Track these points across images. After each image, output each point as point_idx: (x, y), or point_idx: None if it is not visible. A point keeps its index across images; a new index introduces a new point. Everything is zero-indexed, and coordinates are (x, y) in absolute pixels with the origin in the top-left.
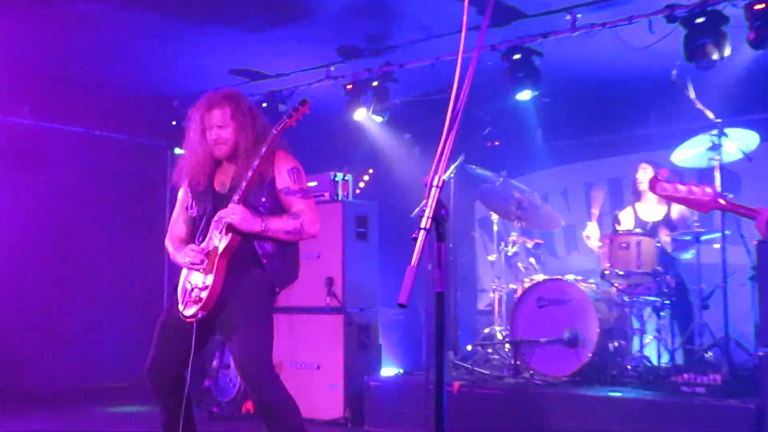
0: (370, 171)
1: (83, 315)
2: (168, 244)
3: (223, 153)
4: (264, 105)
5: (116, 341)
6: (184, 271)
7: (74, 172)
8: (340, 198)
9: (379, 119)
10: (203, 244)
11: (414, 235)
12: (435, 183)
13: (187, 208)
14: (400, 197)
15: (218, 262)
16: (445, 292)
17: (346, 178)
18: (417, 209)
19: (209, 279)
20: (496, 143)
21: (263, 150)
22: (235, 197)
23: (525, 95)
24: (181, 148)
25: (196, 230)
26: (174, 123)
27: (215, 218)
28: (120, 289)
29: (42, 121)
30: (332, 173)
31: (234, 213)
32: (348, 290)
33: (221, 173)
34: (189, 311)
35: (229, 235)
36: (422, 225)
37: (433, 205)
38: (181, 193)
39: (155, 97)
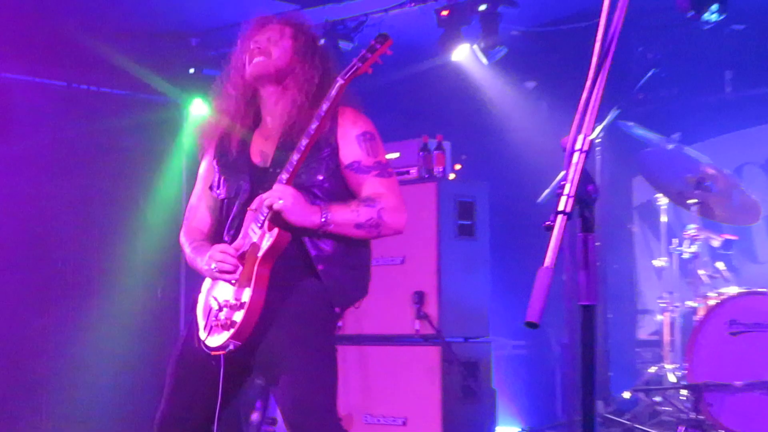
0: (475, 138)
1: (64, 348)
2: (184, 240)
3: (259, 72)
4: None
5: (111, 385)
6: (208, 282)
7: (52, 142)
8: (433, 176)
9: (487, 60)
10: (236, 243)
11: (548, 223)
12: (579, 146)
13: (211, 188)
14: (522, 174)
15: (258, 270)
16: (595, 308)
17: (441, 147)
18: (548, 190)
19: (245, 294)
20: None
21: (324, 107)
22: (284, 175)
23: (710, 16)
24: (204, 104)
25: (225, 221)
26: (192, 71)
27: (253, 205)
28: (117, 309)
29: (6, 71)
30: (421, 140)
31: (283, 197)
32: (446, 310)
33: (261, 138)
34: (215, 340)
35: (275, 230)
36: (560, 208)
37: (576, 179)
38: (203, 167)
39: (164, 34)
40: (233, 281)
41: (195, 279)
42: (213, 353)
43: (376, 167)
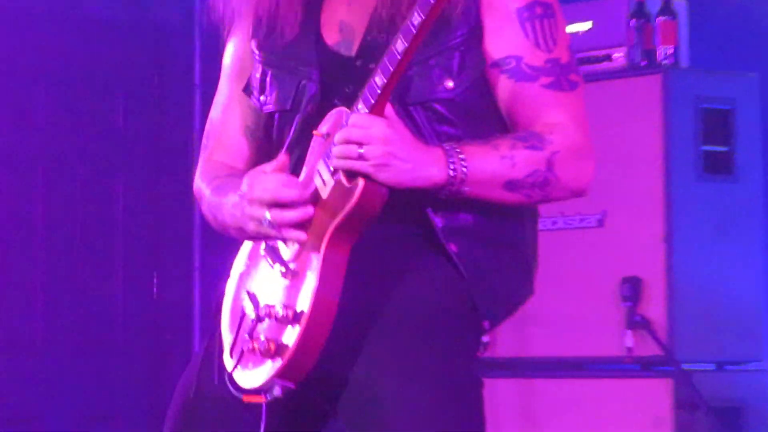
0: None
1: (24, 369)
2: (200, 184)
3: None
4: None
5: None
6: (241, 264)
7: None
8: (656, 64)
9: None
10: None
11: None
12: None
13: (248, 91)
14: None
15: (327, 252)
16: None
17: (671, 9)
18: None
19: (304, 294)
20: None
21: None
22: (377, 78)
23: None
24: None
25: (275, 150)
26: None
27: (323, 127)
28: (96, 308)
29: None
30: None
31: (370, 142)
32: (682, 313)
33: (338, 4)
34: (250, 377)
35: (359, 183)
36: None
37: None
38: (231, 52)
39: None
40: (288, 262)
41: (217, 261)
42: (246, 399)
43: (550, 69)
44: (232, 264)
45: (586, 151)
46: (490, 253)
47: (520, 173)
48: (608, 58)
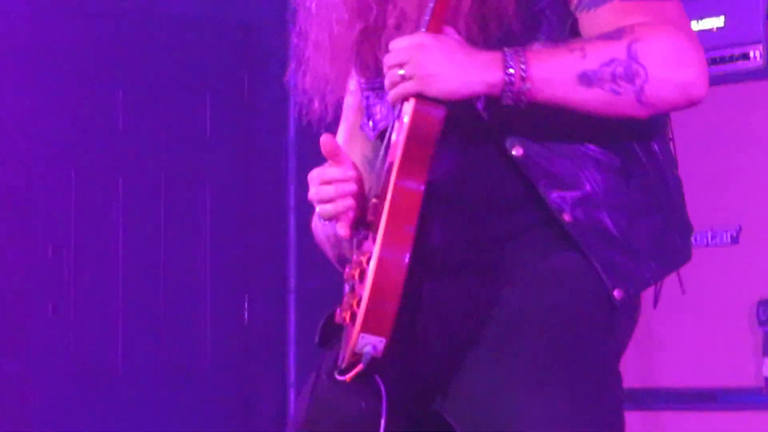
0: None
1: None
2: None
3: None
4: None
5: None
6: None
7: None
8: None
9: None
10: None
11: None
12: None
13: (363, 126)
14: None
15: (396, 187)
16: None
17: None
18: None
19: (378, 235)
20: None
21: None
22: (427, 16)
23: None
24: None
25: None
26: None
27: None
28: (181, 334)
29: None
30: None
31: (411, 55)
32: None
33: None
34: (346, 351)
35: (411, 102)
36: None
37: None
38: (347, 104)
39: None
40: (367, 224)
41: (314, 284)
42: (349, 378)
43: None
44: (329, 287)
45: (683, 47)
46: (621, 214)
47: (594, 63)
48: (744, 56)
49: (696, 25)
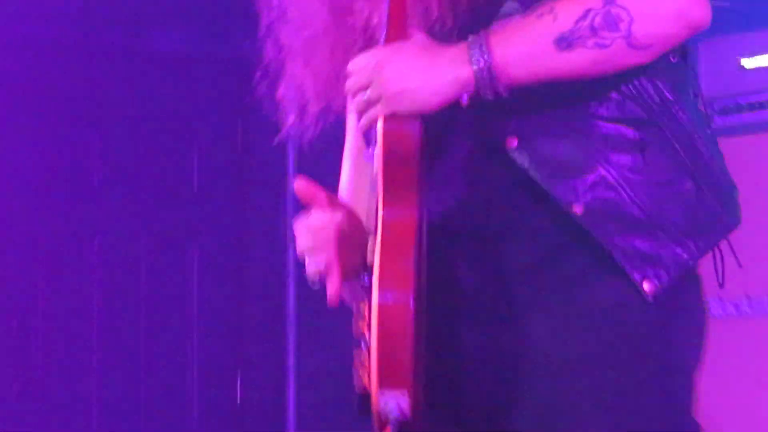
0: None
1: None
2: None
3: None
4: None
5: None
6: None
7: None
8: None
9: None
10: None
11: None
12: None
13: (365, 155)
14: None
15: (384, 211)
16: None
17: None
18: None
19: (374, 290)
20: None
21: None
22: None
23: None
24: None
25: None
26: None
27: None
28: (165, 418)
29: None
30: None
31: (369, 75)
32: None
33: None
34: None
35: (378, 125)
36: None
37: None
38: (349, 123)
39: None
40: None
41: (315, 360)
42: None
43: None
44: (331, 366)
45: None
46: (645, 200)
47: (568, 21)
48: None
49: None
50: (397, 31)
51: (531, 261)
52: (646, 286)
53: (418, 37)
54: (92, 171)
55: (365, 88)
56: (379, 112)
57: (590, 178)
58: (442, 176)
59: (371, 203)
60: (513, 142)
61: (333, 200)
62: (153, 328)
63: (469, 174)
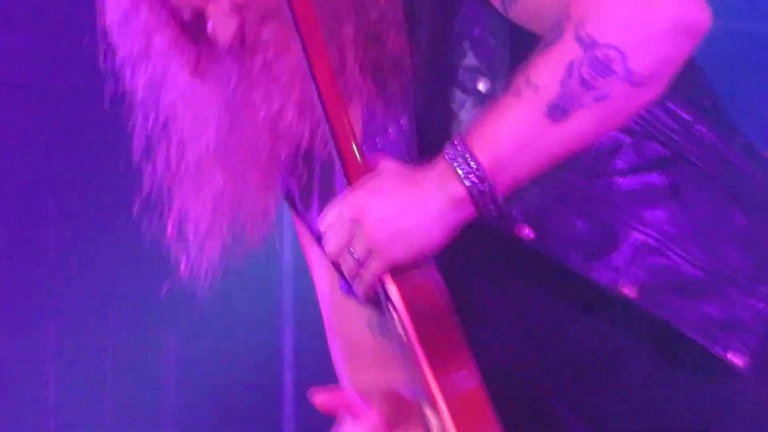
0: None
1: None
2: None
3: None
4: None
5: None
6: None
7: None
8: None
9: None
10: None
11: None
12: None
13: (342, 288)
14: None
15: (448, 404)
16: None
17: None
18: None
19: None
20: None
21: None
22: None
23: None
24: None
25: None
26: None
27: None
28: None
29: None
30: None
31: (350, 231)
32: None
33: None
34: None
35: (391, 288)
36: None
37: None
38: (308, 251)
39: None
40: None
41: None
42: None
43: None
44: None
45: None
46: (699, 255)
47: (552, 86)
48: None
49: None
50: (355, 163)
51: (587, 379)
52: (733, 357)
53: (386, 164)
54: (47, 236)
55: (348, 246)
56: (377, 270)
57: (628, 249)
58: (480, 312)
59: (404, 369)
60: (529, 233)
61: (361, 405)
62: (120, 416)
63: (502, 295)
